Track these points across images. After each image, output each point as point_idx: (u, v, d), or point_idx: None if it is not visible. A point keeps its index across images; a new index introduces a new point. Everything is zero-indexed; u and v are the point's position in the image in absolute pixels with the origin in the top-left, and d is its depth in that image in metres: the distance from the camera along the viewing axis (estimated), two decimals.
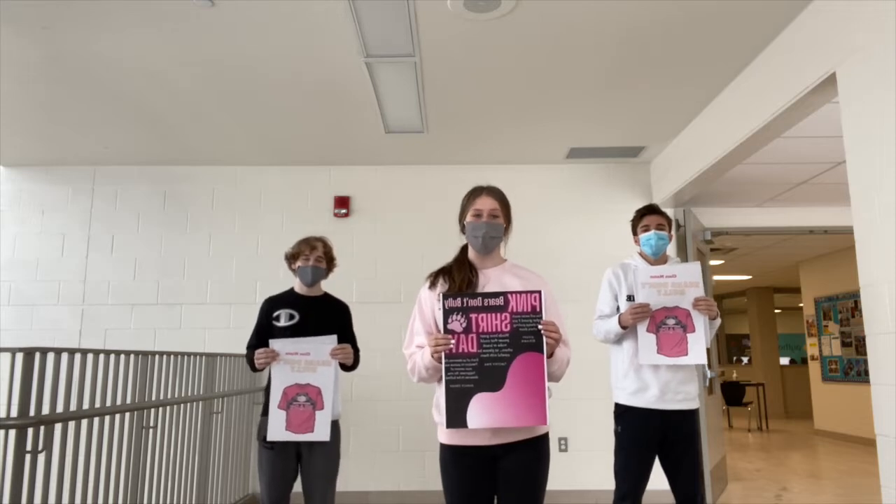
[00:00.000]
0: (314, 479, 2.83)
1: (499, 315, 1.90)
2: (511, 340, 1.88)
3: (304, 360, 2.69)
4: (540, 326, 1.88)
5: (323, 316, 2.92)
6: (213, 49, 3.39)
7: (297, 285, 3.00)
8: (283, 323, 2.87)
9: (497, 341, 1.89)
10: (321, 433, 2.66)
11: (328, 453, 2.83)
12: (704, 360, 2.70)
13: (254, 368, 2.78)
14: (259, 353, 2.70)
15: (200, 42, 3.32)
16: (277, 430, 2.65)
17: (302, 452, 2.81)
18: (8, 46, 3.34)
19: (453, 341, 1.89)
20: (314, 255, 2.94)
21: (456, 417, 1.87)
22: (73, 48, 3.37)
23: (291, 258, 2.99)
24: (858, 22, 2.56)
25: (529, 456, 2.00)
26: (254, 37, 3.27)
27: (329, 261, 3.00)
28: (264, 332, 2.86)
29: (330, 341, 2.72)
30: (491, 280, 2.10)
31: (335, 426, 2.80)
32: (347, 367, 2.86)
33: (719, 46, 3.35)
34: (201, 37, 3.27)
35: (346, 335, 2.94)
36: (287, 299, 2.98)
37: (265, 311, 2.95)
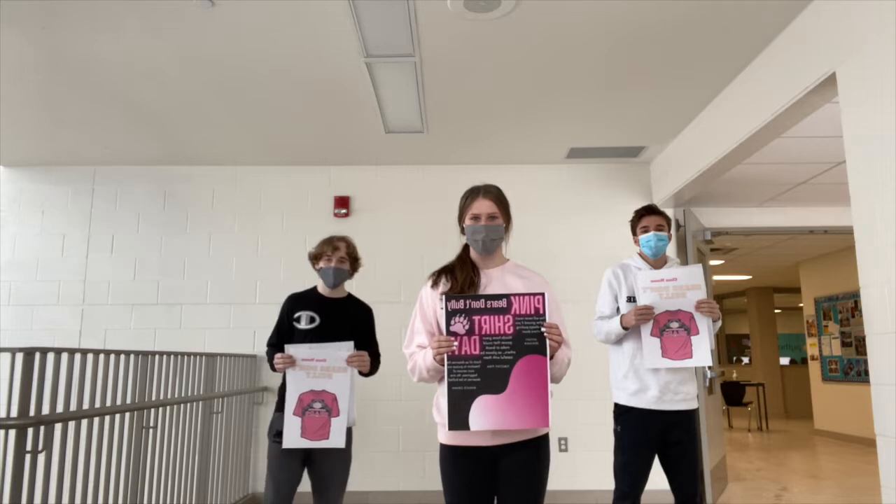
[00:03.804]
0: (327, 485, 2.78)
1: (502, 317, 1.89)
2: (514, 343, 1.88)
3: (319, 366, 2.65)
4: (543, 329, 1.88)
5: (345, 319, 2.86)
6: (213, 49, 3.39)
7: (321, 285, 2.94)
8: (303, 325, 2.82)
9: (500, 343, 1.88)
10: (337, 440, 2.62)
11: (342, 460, 2.79)
12: (709, 362, 2.71)
13: (273, 369, 2.76)
14: (277, 358, 2.67)
15: (200, 42, 3.32)
16: (293, 437, 2.62)
17: (315, 457, 2.76)
18: (8, 47, 3.34)
19: (456, 343, 1.88)
20: (336, 255, 2.86)
21: (458, 419, 1.87)
22: (73, 48, 3.37)
23: (314, 259, 2.92)
24: (858, 22, 2.56)
25: (530, 456, 2.00)
26: (254, 37, 3.27)
27: (353, 261, 2.93)
28: (285, 331, 2.85)
29: (346, 348, 2.67)
30: (493, 280, 2.09)
31: (349, 433, 2.75)
32: (366, 373, 2.81)
33: (719, 46, 3.35)
34: (201, 37, 3.27)
35: (368, 339, 2.90)
36: (309, 299, 2.91)
37: (287, 309, 2.90)
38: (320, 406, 2.62)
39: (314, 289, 2.94)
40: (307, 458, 2.78)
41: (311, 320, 2.81)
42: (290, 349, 2.66)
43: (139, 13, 3.04)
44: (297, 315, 2.83)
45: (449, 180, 5.17)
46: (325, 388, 2.64)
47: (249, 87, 3.86)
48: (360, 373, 2.78)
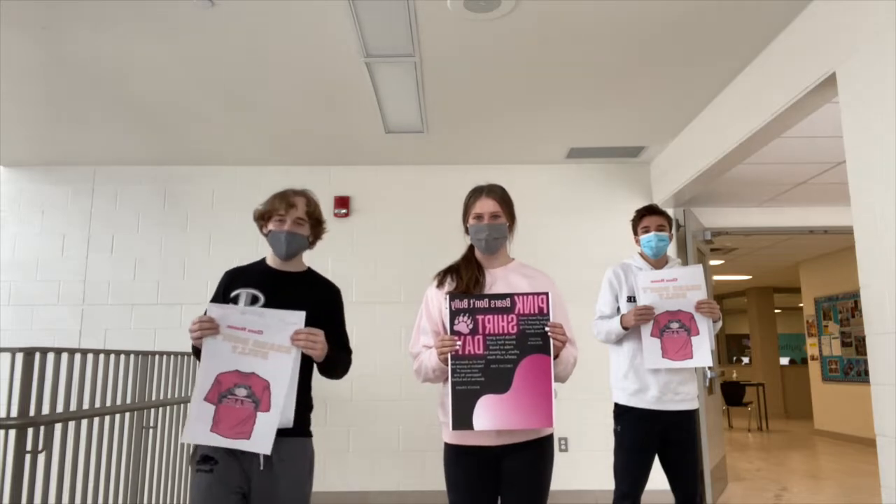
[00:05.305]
0: None
1: (505, 317, 1.90)
2: (518, 342, 1.89)
3: (252, 339, 1.91)
4: (547, 328, 1.89)
5: (300, 299, 2.04)
6: (213, 49, 3.39)
7: (270, 256, 2.19)
8: (243, 306, 2.06)
9: (504, 343, 1.89)
10: (260, 443, 1.85)
11: (295, 477, 1.98)
12: (710, 363, 2.72)
13: (196, 353, 2.01)
14: (193, 323, 1.90)
15: (200, 42, 3.32)
16: (198, 431, 1.86)
17: (252, 476, 1.93)
18: (8, 47, 3.34)
19: (459, 343, 1.89)
20: (292, 215, 2.10)
21: (462, 419, 1.87)
22: (74, 48, 3.37)
23: (261, 219, 2.17)
24: (858, 22, 2.56)
25: (533, 456, 2.00)
26: (254, 37, 3.27)
27: (315, 224, 2.18)
28: None
29: (294, 320, 1.92)
30: (498, 280, 2.10)
31: (301, 445, 2.02)
32: (326, 369, 2.07)
33: (719, 46, 3.35)
34: (201, 37, 3.27)
35: (334, 327, 2.10)
36: (253, 273, 2.15)
37: (223, 286, 2.14)
38: (245, 394, 1.88)
39: (262, 261, 2.21)
40: (247, 485, 1.94)
41: (254, 300, 2.06)
42: (214, 309, 1.93)
43: (139, 13, 3.04)
44: (234, 293, 2.08)
45: (449, 180, 5.16)
46: (255, 371, 1.89)
47: (249, 86, 3.86)
48: (319, 367, 2.05)
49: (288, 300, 2.01)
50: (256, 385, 1.89)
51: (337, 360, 2.07)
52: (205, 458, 1.93)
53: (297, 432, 1.99)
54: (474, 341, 1.89)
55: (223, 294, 2.10)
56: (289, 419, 1.93)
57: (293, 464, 1.97)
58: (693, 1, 2.92)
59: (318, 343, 1.92)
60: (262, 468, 1.92)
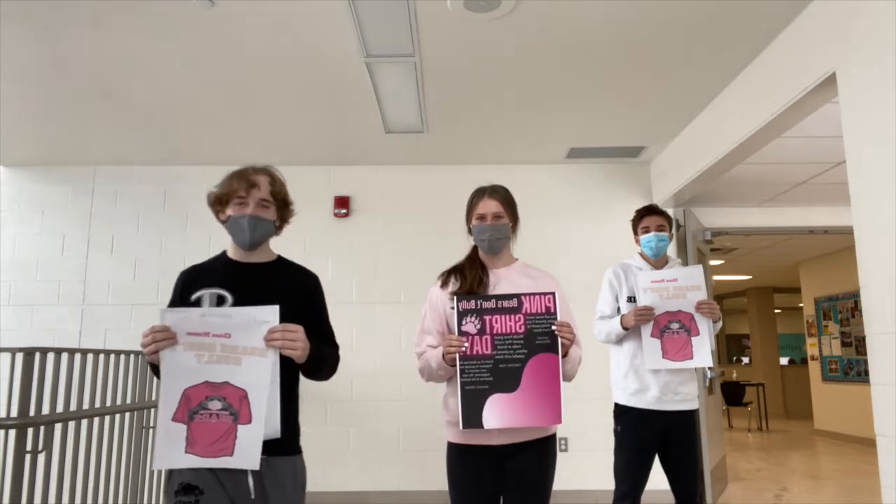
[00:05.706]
0: None
1: (513, 317, 1.92)
2: (525, 341, 1.90)
3: (219, 344, 1.65)
4: (554, 327, 1.90)
5: (273, 292, 1.75)
6: (213, 49, 3.39)
7: (231, 248, 1.90)
8: (205, 308, 1.78)
9: (511, 342, 1.91)
10: (246, 458, 1.59)
11: (287, 502, 1.75)
12: (710, 363, 2.72)
13: (156, 372, 1.71)
14: (145, 335, 1.63)
15: (200, 42, 3.32)
16: (172, 454, 1.61)
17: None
18: (8, 46, 3.34)
19: (467, 343, 1.90)
20: (254, 196, 1.82)
21: (472, 418, 1.88)
22: (74, 48, 3.37)
23: (218, 203, 1.88)
24: (858, 22, 2.56)
25: (536, 456, 2.02)
26: (254, 37, 3.27)
27: (281, 206, 1.91)
28: None
29: (266, 317, 1.64)
30: (502, 280, 2.11)
31: (291, 465, 1.78)
32: (311, 370, 1.79)
33: (719, 46, 3.35)
34: (201, 37, 3.27)
35: (315, 320, 1.83)
36: (214, 271, 1.85)
37: (180, 289, 1.85)
38: (220, 406, 1.63)
39: (222, 254, 1.93)
40: None
41: (220, 301, 1.78)
42: (169, 316, 1.67)
43: (139, 13, 3.04)
44: (196, 296, 1.79)
45: (449, 180, 5.16)
46: (228, 380, 1.63)
47: (249, 87, 3.86)
48: (302, 369, 1.78)
49: (259, 295, 1.72)
50: (232, 396, 1.63)
51: (322, 359, 1.79)
52: (187, 488, 1.68)
53: (286, 451, 1.76)
54: (482, 341, 1.91)
55: (181, 298, 1.82)
56: (275, 429, 1.68)
57: (284, 488, 1.74)
58: (693, 1, 2.92)
59: (297, 341, 1.64)
60: (252, 496, 1.68)
